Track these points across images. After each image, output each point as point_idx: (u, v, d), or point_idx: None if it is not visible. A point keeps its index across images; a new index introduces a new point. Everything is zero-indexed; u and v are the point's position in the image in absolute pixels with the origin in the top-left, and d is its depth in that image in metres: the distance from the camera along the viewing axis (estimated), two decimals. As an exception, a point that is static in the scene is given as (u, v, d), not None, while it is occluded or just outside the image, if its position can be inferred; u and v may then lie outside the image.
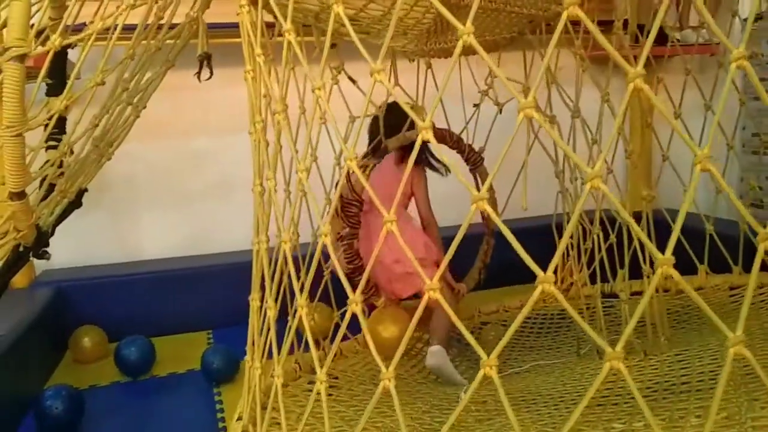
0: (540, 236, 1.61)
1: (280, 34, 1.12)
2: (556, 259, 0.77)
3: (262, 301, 1.28)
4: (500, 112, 2.03)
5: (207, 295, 2.50)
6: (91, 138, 1.32)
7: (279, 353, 1.17)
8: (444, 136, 1.93)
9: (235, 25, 1.29)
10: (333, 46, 1.65)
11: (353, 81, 1.84)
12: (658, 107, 0.79)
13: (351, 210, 1.87)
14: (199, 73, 1.49)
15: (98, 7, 1.31)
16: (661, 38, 2.36)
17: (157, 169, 2.72)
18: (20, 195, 1.12)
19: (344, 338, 1.25)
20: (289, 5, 1.00)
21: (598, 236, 1.85)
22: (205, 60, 1.46)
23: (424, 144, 0.84)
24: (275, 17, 1.11)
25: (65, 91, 1.24)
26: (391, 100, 1.71)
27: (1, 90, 1.00)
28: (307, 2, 1.43)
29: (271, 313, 1.20)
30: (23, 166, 1.06)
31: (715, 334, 1.62)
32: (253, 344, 1.31)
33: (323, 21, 1.53)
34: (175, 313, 2.48)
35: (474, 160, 2.02)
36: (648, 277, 1.65)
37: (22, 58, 0.99)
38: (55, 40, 1.08)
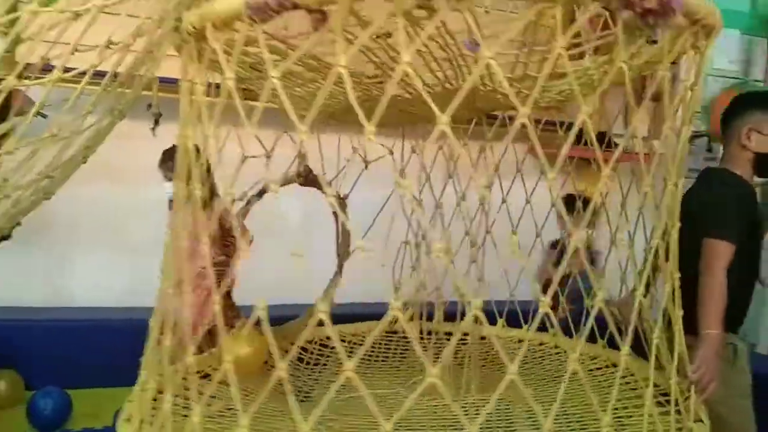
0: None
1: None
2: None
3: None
4: (366, 168, 2.24)
5: (134, 349, 2.43)
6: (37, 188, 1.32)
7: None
8: (315, 180, 2.18)
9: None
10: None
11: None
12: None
13: (229, 240, 2.19)
14: (153, 128, 1.62)
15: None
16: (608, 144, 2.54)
17: (99, 215, 2.68)
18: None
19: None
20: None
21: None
22: (158, 117, 1.53)
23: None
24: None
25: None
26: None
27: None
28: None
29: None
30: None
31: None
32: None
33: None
34: (99, 364, 2.39)
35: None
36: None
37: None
38: (10, 82, 1.10)
